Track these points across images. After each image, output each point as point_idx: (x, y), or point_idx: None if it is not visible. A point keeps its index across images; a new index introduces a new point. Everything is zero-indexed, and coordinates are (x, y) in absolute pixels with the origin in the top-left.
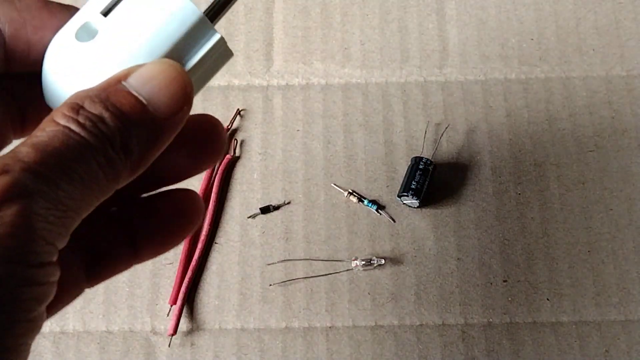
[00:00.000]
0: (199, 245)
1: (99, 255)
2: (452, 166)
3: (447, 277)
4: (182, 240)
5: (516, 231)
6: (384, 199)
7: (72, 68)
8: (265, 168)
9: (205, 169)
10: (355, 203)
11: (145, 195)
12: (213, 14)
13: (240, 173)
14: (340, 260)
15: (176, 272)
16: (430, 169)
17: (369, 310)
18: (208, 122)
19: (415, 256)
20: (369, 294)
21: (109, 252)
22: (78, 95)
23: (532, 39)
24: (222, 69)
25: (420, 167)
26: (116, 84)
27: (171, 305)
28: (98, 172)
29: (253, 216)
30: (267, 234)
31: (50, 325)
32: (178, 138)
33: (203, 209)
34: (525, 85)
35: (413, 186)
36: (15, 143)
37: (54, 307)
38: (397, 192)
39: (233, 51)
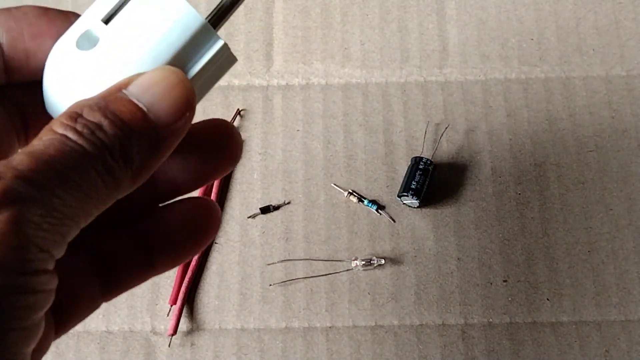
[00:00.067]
0: None
1: (114, 268)
2: (452, 166)
3: (447, 277)
4: (200, 250)
5: (516, 231)
6: (384, 199)
7: (73, 77)
8: (265, 168)
9: (222, 175)
10: (355, 203)
11: (161, 205)
12: (215, 19)
13: (240, 173)
14: (340, 260)
15: (176, 272)
16: (430, 169)
17: (369, 310)
18: (222, 127)
19: (415, 256)
20: (369, 294)
21: (124, 264)
22: (78, 104)
23: (532, 39)
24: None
25: (420, 167)
26: (116, 92)
27: (171, 305)
28: (96, 180)
29: (253, 216)
30: (267, 234)
31: None
32: (193, 144)
33: (220, 217)
34: (525, 85)
35: (413, 186)
36: None
37: (68, 323)
38: (397, 192)
39: (233, 51)
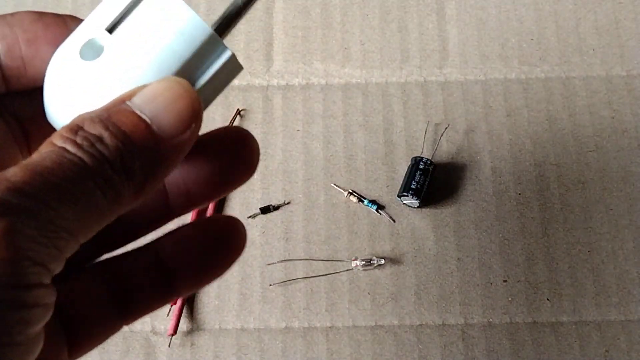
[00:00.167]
0: None
1: (132, 292)
2: (452, 166)
3: (447, 277)
4: (223, 273)
5: (516, 231)
6: (384, 199)
7: (77, 87)
8: (265, 168)
9: (238, 186)
10: (355, 203)
11: (182, 226)
12: (222, 28)
13: None
14: (340, 260)
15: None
16: (430, 169)
17: (369, 310)
18: (238, 134)
19: (415, 256)
20: (369, 294)
21: (142, 288)
22: (81, 116)
23: (532, 39)
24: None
25: (420, 167)
26: (120, 104)
27: (171, 305)
28: (96, 193)
29: (253, 216)
30: (267, 234)
31: None
32: (207, 154)
33: (246, 238)
34: (525, 85)
35: (413, 186)
36: None
37: (84, 344)
38: (397, 192)
39: (233, 51)
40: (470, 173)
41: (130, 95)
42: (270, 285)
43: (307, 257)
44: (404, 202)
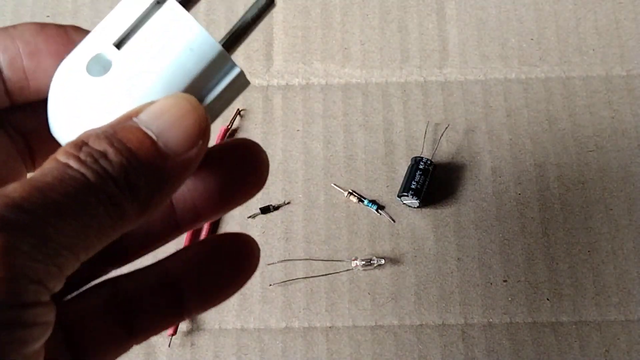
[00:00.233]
0: None
1: (140, 312)
2: (452, 166)
3: (447, 277)
4: (235, 293)
5: (516, 231)
6: (384, 199)
7: (83, 104)
8: None
9: (246, 200)
10: (355, 203)
11: (192, 244)
12: (230, 43)
13: None
14: (340, 260)
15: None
16: (430, 169)
17: (369, 310)
18: (247, 147)
19: (415, 256)
20: (369, 294)
21: (150, 308)
22: (86, 133)
23: (532, 39)
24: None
25: (420, 167)
26: (126, 120)
27: None
28: (98, 209)
29: (253, 216)
30: (267, 234)
31: None
32: (214, 167)
33: (259, 256)
34: (525, 85)
35: (413, 186)
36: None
37: None
38: (397, 192)
39: (236, 54)
40: (470, 173)
41: (137, 112)
42: (270, 285)
43: (307, 257)
44: (404, 202)
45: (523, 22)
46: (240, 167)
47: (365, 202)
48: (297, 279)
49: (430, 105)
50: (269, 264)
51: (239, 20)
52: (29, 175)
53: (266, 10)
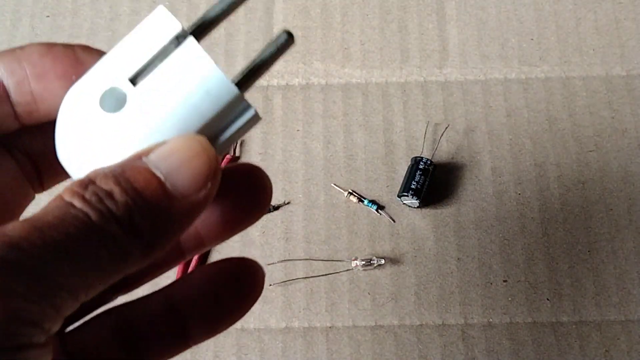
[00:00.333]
0: None
1: (144, 340)
2: (452, 166)
3: (447, 277)
4: (240, 318)
5: (516, 231)
6: (384, 199)
7: (95, 138)
8: (265, 168)
9: (249, 226)
10: (355, 203)
11: (195, 270)
12: (244, 82)
13: None
14: (340, 260)
15: (176, 272)
16: (430, 169)
17: (369, 310)
18: (250, 172)
19: (415, 256)
20: (369, 294)
21: (154, 336)
22: (95, 171)
23: (532, 39)
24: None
25: (420, 167)
26: (136, 160)
27: None
28: (100, 250)
29: None
30: (267, 234)
31: None
32: (218, 194)
33: (263, 280)
34: (525, 85)
35: (413, 186)
36: (39, 197)
37: None
38: (397, 192)
39: (233, 51)
40: (470, 173)
41: (147, 152)
42: (270, 285)
43: (307, 257)
44: (404, 202)
45: (523, 22)
46: (244, 194)
47: (365, 202)
48: (297, 279)
49: (430, 105)
50: (269, 264)
51: (257, 57)
52: (37, 196)
53: (286, 47)
